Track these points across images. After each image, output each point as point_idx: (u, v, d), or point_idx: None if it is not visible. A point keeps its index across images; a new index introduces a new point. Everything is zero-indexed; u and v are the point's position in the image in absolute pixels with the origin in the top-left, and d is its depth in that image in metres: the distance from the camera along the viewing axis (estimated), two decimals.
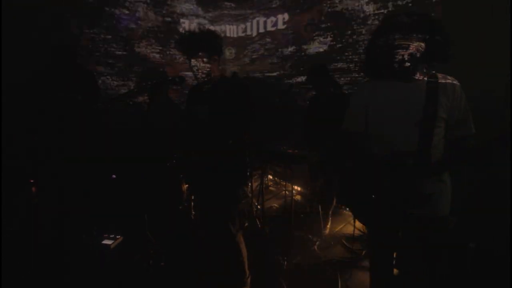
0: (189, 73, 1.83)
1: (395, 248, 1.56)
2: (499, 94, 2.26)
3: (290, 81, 4.15)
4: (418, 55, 1.25)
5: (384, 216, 1.44)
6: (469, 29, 2.36)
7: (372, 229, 1.63)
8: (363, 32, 3.24)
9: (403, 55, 1.26)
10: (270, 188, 4.14)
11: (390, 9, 2.98)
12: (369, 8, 3.16)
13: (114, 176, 2.98)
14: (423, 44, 1.24)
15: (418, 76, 1.35)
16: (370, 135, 1.52)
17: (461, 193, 1.58)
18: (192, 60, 1.73)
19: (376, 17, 3.10)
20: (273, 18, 4.33)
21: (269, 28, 4.40)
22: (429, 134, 1.30)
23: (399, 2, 2.89)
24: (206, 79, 1.78)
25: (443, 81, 1.33)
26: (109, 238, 2.43)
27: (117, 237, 2.45)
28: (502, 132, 1.12)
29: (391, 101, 1.39)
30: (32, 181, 2.61)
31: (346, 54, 3.43)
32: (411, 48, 1.24)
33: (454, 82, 1.34)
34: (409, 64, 1.27)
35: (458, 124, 1.35)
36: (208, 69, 1.75)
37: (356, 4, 3.28)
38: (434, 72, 1.37)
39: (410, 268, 1.53)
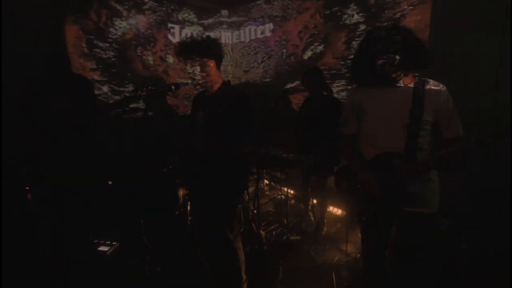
0: (185, 80, 1.85)
1: (386, 247, 1.61)
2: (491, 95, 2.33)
3: (284, 86, 4.20)
4: (396, 64, 1.38)
5: (375, 213, 1.53)
6: (460, 33, 2.44)
7: (364, 227, 1.68)
8: (355, 38, 3.31)
9: (382, 64, 1.39)
10: (266, 192, 4.16)
11: (378, 16, 3.05)
12: (360, 16, 3.23)
13: (110, 182, 2.98)
14: (398, 54, 1.36)
15: (404, 82, 1.46)
16: (362, 137, 1.63)
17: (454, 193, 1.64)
18: (189, 66, 1.75)
19: (367, 24, 3.17)
20: (261, 27, 4.42)
21: (259, 35, 4.48)
22: (415, 136, 1.41)
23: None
24: (206, 86, 1.80)
25: (429, 86, 1.43)
26: (105, 245, 2.43)
27: (113, 243, 2.45)
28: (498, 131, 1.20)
29: (380, 105, 1.50)
30: (28, 188, 2.61)
31: (338, 60, 3.49)
32: (389, 58, 1.36)
33: (440, 87, 1.44)
34: (388, 72, 1.40)
35: (445, 127, 1.44)
36: (206, 75, 1.75)
37: (348, 11, 3.35)
38: (422, 78, 1.47)
39: (402, 267, 1.58)
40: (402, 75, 1.43)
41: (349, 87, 3.33)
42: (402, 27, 1.40)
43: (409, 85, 1.46)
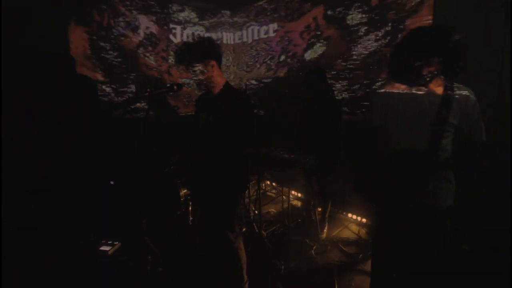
0: (187, 80, 1.85)
1: (396, 242, 1.68)
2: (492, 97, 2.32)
3: (286, 88, 4.20)
4: (434, 66, 1.41)
5: (391, 205, 1.61)
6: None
7: (377, 221, 1.77)
8: (357, 39, 3.30)
9: (421, 65, 1.41)
10: (268, 193, 4.16)
11: (378, 17, 3.05)
12: (363, 17, 3.23)
13: (112, 182, 2.99)
14: (438, 57, 1.39)
15: (435, 83, 1.49)
16: (386, 132, 1.67)
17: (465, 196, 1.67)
18: (190, 69, 1.75)
19: (369, 25, 3.17)
20: (265, 27, 4.42)
21: (262, 36, 4.48)
22: (439, 137, 1.45)
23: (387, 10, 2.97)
24: (208, 87, 1.80)
25: (459, 91, 1.47)
26: (107, 244, 2.44)
27: (115, 243, 2.46)
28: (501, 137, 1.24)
29: (408, 103, 1.55)
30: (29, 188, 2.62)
31: (340, 60, 3.49)
32: (428, 59, 1.39)
33: (469, 93, 1.47)
34: (425, 72, 1.43)
35: (469, 132, 1.49)
36: (209, 76, 1.74)
37: (350, 12, 3.35)
38: (451, 83, 1.50)
39: (408, 267, 1.66)
40: (439, 77, 1.46)
41: (352, 88, 3.35)
42: (447, 29, 1.40)
43: (438, 86, 1.49)
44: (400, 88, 1.59)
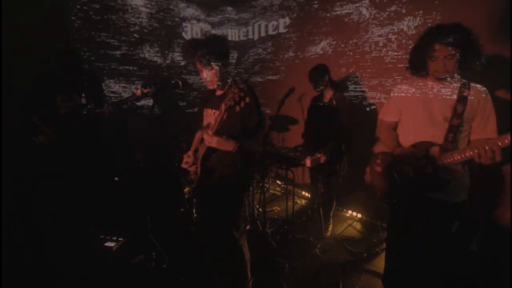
0: (192, 77, 1.83)
1: (409, 233, 1.72)
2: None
3: (292, 84, 4.16)
4: (453, 61, 1.47)
5: (406, 197, 1.67)
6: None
7: (392, 211, 1.82)
8: (364, 36, 3.26)
9: (441, 59, 1.48)
10: (272, 191, 4.15)
11: (389, 13, 3.01)
12: (369, 13, 3.19)
13: (116, 178, 3.00)
14: (458, 53, 1.45)
15: (452, 79, 1.56)
16: (403, 125, 1.75)
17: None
18: (198, 65, 1.73)
19: (375, 22, 3.13)
20: (274, 22, 4.37)
21: (271, 32, 4.44)
22: (455, 131, 1.51)
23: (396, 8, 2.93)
24: (216, 84, 1.78)
25: (474, 85, 1.54)
26: (111, 241, 2.45)
27: (120, 239, 2.47)
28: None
29: (425, 97, 1.60)
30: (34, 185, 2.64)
31: (346, 58, 3.45)
32: (448, 54, 1.45)
33: (484, 90, 1.53)
34: (444, 67, 1.49)
35: (482, 127, 1.54)
36: (215, 74, 1.73)
37: (356, 8, 3.31)
38: (468, 81, 1.56)
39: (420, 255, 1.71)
40: (456, 73, 1.53)
41: (360, 84, 3.31)
42: (466, 27, 1.46)
43: (454, 82, 1.55)
44: (418, 83, 1.64)
